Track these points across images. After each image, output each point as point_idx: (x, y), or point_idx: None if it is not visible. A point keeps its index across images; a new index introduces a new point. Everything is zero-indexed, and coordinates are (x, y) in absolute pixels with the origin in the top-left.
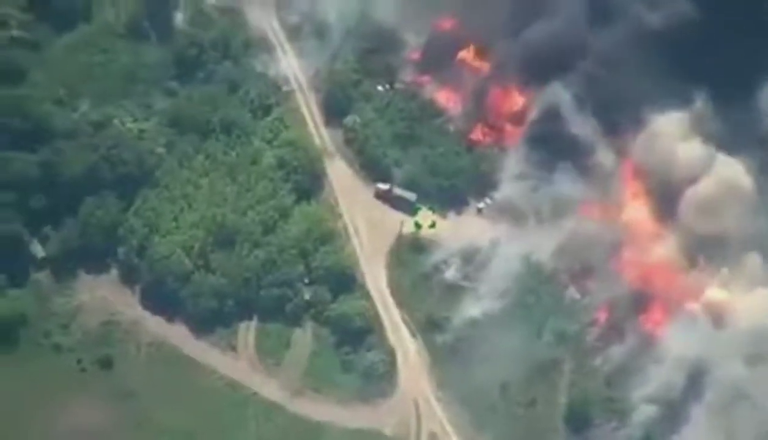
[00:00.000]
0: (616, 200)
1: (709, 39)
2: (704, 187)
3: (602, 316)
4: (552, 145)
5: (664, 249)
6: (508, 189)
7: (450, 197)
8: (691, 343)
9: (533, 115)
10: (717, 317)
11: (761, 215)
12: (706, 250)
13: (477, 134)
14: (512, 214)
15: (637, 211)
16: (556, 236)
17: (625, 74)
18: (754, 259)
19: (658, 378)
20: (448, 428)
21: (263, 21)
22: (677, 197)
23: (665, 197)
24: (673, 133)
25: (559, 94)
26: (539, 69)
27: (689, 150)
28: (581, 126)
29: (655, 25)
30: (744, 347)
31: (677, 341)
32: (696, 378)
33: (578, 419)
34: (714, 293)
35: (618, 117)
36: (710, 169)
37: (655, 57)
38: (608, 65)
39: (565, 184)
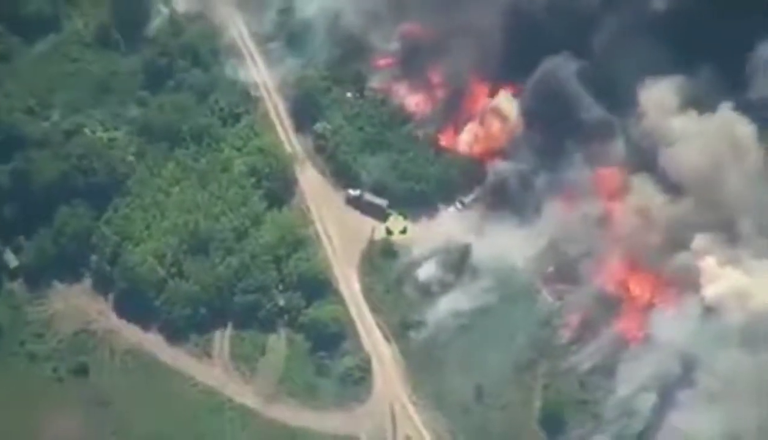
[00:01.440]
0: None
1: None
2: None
3: (575, 319)
4: (553, 128)
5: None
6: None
7: (421, 202)
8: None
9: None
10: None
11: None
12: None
13: (446, 140)
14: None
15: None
16: (531, 239)
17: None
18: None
19: (649, 367)
20: (424, 432)
21: (232, 29)
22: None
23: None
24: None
25: (564, 67)
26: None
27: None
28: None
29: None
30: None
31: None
32: (690, 367)
33: (553, 421)
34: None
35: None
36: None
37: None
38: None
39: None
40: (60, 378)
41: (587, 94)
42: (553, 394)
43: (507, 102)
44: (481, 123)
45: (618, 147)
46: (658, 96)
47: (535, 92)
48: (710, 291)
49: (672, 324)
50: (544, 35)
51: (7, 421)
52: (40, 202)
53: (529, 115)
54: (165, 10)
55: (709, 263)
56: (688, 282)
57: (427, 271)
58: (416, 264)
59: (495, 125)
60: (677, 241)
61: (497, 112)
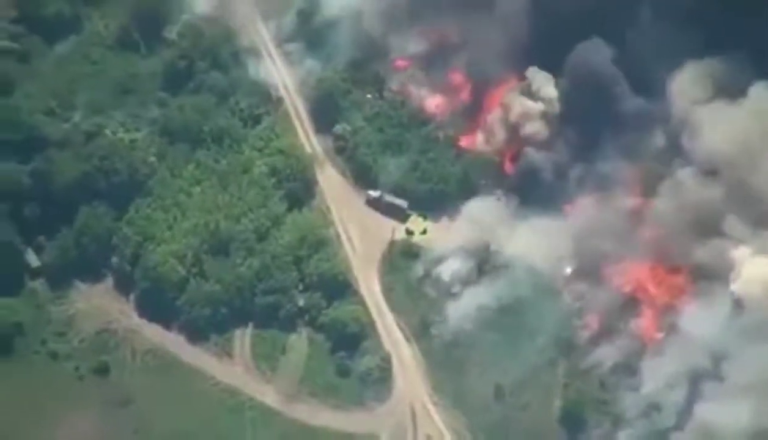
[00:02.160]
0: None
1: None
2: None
3: (595, 320)
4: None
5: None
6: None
7: (441, 203)
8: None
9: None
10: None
11: None
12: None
13: (466, 141)
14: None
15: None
16: (552, 239)
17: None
18: None
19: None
20: (444, 431)
21: (252, 31)
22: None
23: None
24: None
25: (598, 52)
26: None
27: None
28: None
29: None
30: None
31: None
32: (718, 361)
33: (573, 420)
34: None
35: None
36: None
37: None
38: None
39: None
40: (81, 376)
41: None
42: (573, 394)
43: (546, 81)
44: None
45: (653, 137)
46: (689, 81)
47: (570, 77)
48: (741, 282)
49: (701, 318)
50: (570, 24)
51: (28, 419)
52: (62, 203)
53: (564, 102)
54: (185, 13)
55: (742, 253)
56: (719, 273)
57: (448, 270)
58: (437, 264)
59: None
60: (709, 230)
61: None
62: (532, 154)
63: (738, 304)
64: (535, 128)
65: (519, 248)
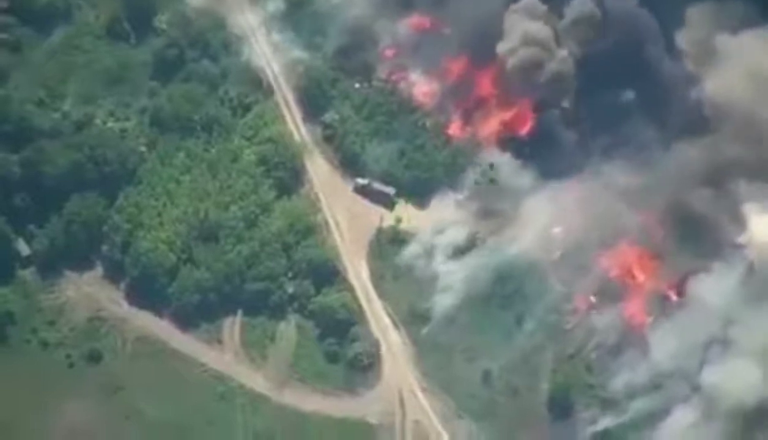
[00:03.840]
0: None
1: None
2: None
3: (583, 305)
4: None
5: None
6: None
7: (428, 190)
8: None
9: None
10: None
11: None
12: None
13: (454, 129)
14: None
15: None
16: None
17: None
18: None
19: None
20: (432, 416)
21: (241, 20)
22: None
23: None
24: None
25: None
26: None
27: None
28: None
29: None
30: None
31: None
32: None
33: (560, 405)
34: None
35: None
36: None
37: None
38: None
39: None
40: (72, 364)
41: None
42: (560, 378)
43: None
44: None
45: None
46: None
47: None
48: (752, 243)
49: (711, 283)
50: None
51: (20, 407)
52: (52, 192)
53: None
54: (175, 2)
55: (751, 209)
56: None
57: (435, 257)
58: (425, 251)
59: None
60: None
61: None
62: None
63: (750, 267)
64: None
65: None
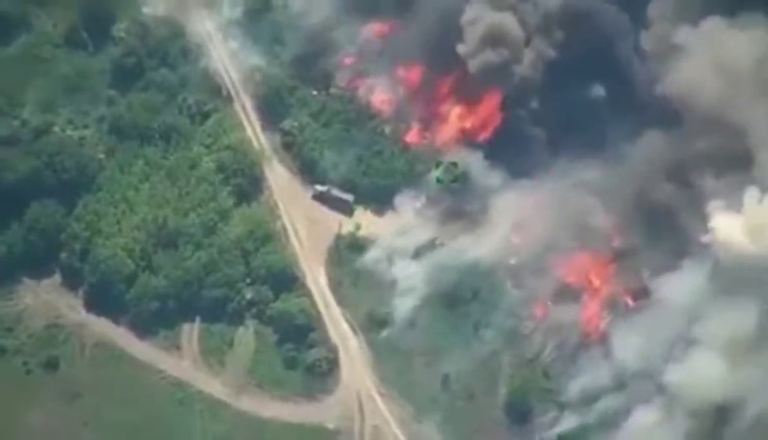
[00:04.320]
0: None
1: None
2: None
3: (540, 310)
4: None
5: None
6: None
7: (387, 197)
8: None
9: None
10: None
11: None
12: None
13: (412, 136)
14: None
15: None
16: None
17: None
18: None
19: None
20: (391, 421)
21: (200, 28)
22: None
23: None
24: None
25: None
26: None
27: None
28: None
29: None
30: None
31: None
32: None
33: (518, 410)
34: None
35: None
36: None
37: None
38: None
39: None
40: (29, 371)
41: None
42: (518, 382)
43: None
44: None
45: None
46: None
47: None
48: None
49: (676, 282)
50: None
51: None
52: (11, 199)
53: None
54: (133, 11)
55: (715, 206)
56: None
57: (392, 263)
58: (383, 256)
59: None
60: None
61: None
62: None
63: (715, 265)
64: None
65: (462, 241)
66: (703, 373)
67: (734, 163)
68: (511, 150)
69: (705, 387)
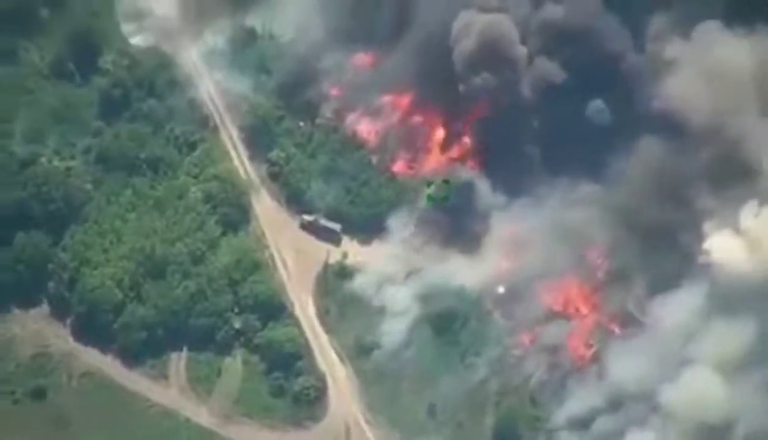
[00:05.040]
0: None
1: None
2: None
3: (527, 338)
4: None
5: None
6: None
7: (374, 226)
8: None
9: None
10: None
11: None
12: None
13: (398, 166)
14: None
15: None
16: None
17: None
18: None
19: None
20: None
21: (187, 59)
22: None
23: None
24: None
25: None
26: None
27: None
28: None
29: None
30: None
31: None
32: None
33: (505, 438)
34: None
35: None
36: None
37: None
38: None
39: None
40: (17, 400)
41: None
42: (505, 411)
43: None
44: None
45: None
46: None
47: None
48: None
49: (672, 303)
50: None
51: None
52: None
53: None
54: (120, 42)
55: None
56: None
57: (380, 292)
58: (370, 286)
59: None
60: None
61: None
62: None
63: (711, 286)
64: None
65: (449, 269)
66: (699, 393)
67: (732, 176)
68: (506, 167)
69: (700, 406)
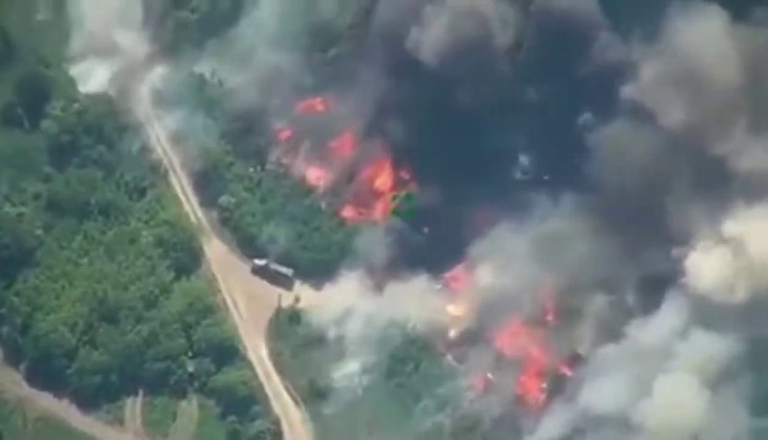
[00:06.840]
0: None
1: None
2: None
3: (480, 381)
4: None
5: None
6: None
7: (325, 270)
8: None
9: None
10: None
11: None
12: None
13: (348, 211)
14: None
15: None
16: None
17: None
18: None
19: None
20: None
21: (136, 106)
22: None
23: None
24: None
25: None
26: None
27: None
28: None
29: None
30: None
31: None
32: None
33: None
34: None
35: None
36: None
37: None
38: None
39: None
40: None
41: None
42: None
43: None
44: None
45: None
46: None
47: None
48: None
49: (650, 324)
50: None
51: None
52: None
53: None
54: (68, 89)
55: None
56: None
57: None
58: (323, 330)
59: None
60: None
61: None
62: None
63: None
64: None
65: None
66: (675, 409)
67: (713, 180)
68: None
69: (677, 422)
